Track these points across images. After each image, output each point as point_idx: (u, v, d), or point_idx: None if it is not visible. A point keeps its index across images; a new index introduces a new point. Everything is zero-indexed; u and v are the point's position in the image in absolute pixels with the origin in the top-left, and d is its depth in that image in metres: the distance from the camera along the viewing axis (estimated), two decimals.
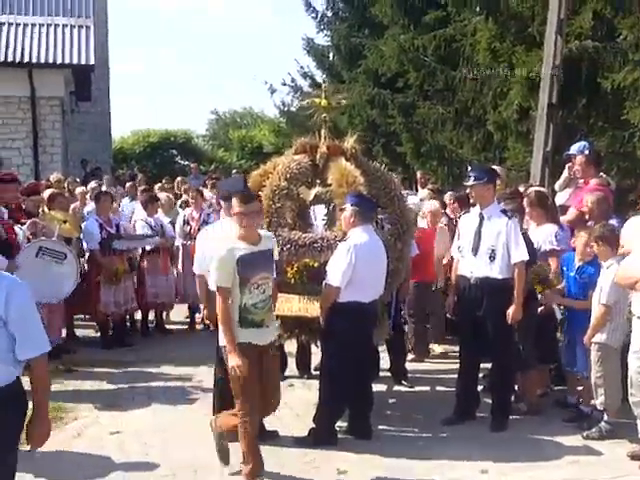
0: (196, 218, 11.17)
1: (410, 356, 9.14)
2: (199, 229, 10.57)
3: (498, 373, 7.13)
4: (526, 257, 6.77)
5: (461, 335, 7.58)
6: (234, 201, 5.64)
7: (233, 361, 5.53)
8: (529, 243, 7.04)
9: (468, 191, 7.31)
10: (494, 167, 8.66)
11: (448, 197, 10.58)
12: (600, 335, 6.61)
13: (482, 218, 6.97)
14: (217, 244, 5.86)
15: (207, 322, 7.37)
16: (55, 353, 9.05)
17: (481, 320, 6.90)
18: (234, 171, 18.52)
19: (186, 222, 11.18)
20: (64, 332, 10.22)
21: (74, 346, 9.80)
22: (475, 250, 6.95)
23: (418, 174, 14.96)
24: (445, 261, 9.25)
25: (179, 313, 11.44)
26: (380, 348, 8.11)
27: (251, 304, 5.62)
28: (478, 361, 7.23)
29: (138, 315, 10.94)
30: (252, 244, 5.64)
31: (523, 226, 7.37)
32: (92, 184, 13.71)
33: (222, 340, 5.67)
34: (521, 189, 8.63)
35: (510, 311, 6.74)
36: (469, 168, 7.22)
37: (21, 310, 3.78)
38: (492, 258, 6.86)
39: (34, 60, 18.66)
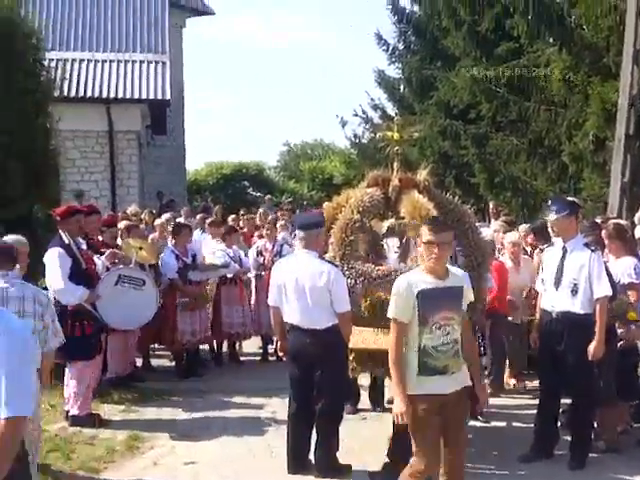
0: (269, 249, 11.26)
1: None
2: (272, 260, 10.71)
3: (577, 409, 6.96)
4: (609, 292, 6.61)
5: (541, 370, 7.43)
6: (424, 229, 5.10)
7: (398, 407, 4.97)
8: (610, 276, 6.89)
9: (550, 224, 7.20)
10: (574, 199, 8.52)
11: (523, 229, 10.44)
12: None
13: (565, 251, 6.85)
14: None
15: (280, 354, 7.37)
16: (127, 382, 9.28)
17: (561, 355, 6.76)
18: (304, 203, 18.66)
19: (259, 253, 11.29)
20: (139, 361, 10.41)
21: (146, 375, 9.95)
22: (557, 283, 6.83)
23: (491, 205, 14.83)
24: (524, 294, 9.11)
25: (251, 344, 11.50)
26: None
27: (431, 346, 5.00)
28: (558, 397, 7.07)
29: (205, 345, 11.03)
30: (438, 278, 5.06)
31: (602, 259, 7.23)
32: (167, 215, 13.97)
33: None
34: (598, 221, 8.46)
35: (591, 347, 6.59)
36: (550, 201, 7.10)
37: (6, 360, 3.18)
38: (574, 292, 6.72)
39: (112, 95, 19.18)
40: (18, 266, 6.28)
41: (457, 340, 5.08)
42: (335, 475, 6.39)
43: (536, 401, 7.44)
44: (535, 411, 7.30)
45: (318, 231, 6.58)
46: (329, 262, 6.53)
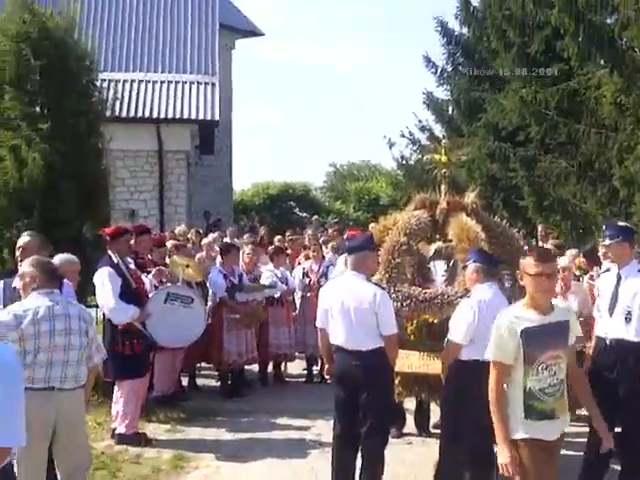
0: (315, 271, 11.26)
1: None
2: (318, 282, 10.71)
3: (628, 438, 6.80)
4: None
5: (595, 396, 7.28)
6: (528, 262, 4.67)
7: (503, 457, 4.61)
8: None
9: (603, 250, 7.07)
10: (629, 225, 8.38)
11: (571, 253, 10.28)
12: None
13: (619, 278, 6.72)
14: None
15: (327, 376, 7.31)
16: (172, 401, 9.32)
17: (614, 383, 6.63)
18: (350, 223, 18.64)
19: (305, 274, 11.30)
20: (185, 380, 10.45)
21: (192, 394, 9.99)
22: (611, 310, 6.70)
23: (539, 228, 14.67)
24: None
25: (296, 365, 11.49)
26: None
27: (538, 389, 4.64)
28: (610, 425, 6.92)
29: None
30: (543, 314, 4.66)
31: None
32: (214, 235, 14.06)
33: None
34: None
35: None
36: (604, 227, 6.99)
37: None
38: (628, 319, 6.59)
39: (162, 116, 19.44)
40: (71, 284, 6.41)
41: (563, 380, 4.76)
42: None
43: (585, 429, 7.29)
44: (583, 439, 7.15)
45: (365, 254, 6.51)
46: (376, 284, 6.48)
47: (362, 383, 6.32)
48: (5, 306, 6.05)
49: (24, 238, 6.41)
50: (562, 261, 9.36)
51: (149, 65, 20.64)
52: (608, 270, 7.19)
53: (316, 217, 24.65)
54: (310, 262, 11.49)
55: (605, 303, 6.78)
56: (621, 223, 8.11)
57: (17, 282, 6.01)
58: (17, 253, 6.52)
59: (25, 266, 5.37)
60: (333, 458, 6.63)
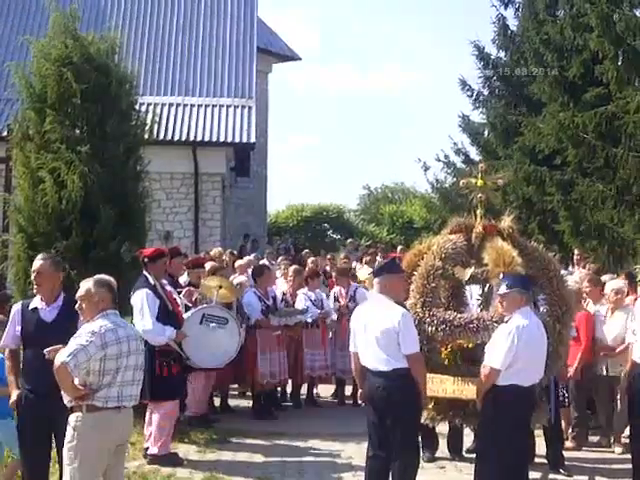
0: (343, 295, 11.29)
1: (568, 443, 8.75)
2: (347, 306, 10.74)
3: None
4: None
5: (632, 424, 7.20)
6: None
7: None
8: None
9: None
10: None
11: (608, 278, 10.16)
12: None
13: None
14: None
15: (359, 400, 7.29)
16: (205, 422, 9.33)
17: None
18: (383, 246, 18.58)
19: (336, 299, 11.32)
20: (217, 401, 10.48)
21: (224, 415, 10.00)
22: None
23: (575, 252, 14.54)
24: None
25: (328, 387, 11.46)
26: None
27: None
28: None
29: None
30: None
31: None
32: (250, 257, 14.10)
33: None
34: None
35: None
36: None
37: None
38: None
39: (199, 138, 19.59)
40: None
41: None
42: None
43: (621, 455, 7.20)
44: (618, 465, 7.07)
45: (391, 276, 6.53)
46: (400, 305, 6.49)
47: (387, 404, 6.32)
48: (22, 328, 6.13)
49: (38, 262, 6.27)
50: (616, 284, 9.21)
51: (187, 88, 20.82)
52: None
53: (351, 240, 24.57)
54: (339, 287, 11.51)
55: None
56: None
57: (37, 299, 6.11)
58: (32, 276, 6.31)
59: (91, 286, 5.41)
60: (366, 478, 6.61)
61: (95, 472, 5.26)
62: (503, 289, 6.35)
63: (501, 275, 6.53)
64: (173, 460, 7.92)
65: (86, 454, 5.18)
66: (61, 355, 5.10)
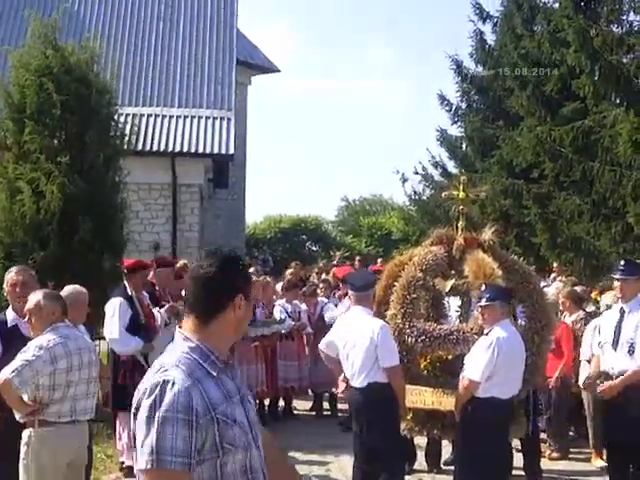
0: (312, 311, 11.32)
1: (549, 453, 8.81)
2: (316, 323, 10.94)
3: None
4: None
5: (607, 436, 7.25)
6: None
7: None
8: None
9: (616, 284, 7.05)
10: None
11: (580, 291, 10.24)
12: None
13: (623, 312, 6.78)
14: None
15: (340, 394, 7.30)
16: None
17: (623, 415, 6.62)
18: (357, 258, 18.52)
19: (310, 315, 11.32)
20: None
21: None
22: (615, 344, 6.74)
23: (555, 265, 14.68)
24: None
25: (306, 400, 11.43)
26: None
27: None
28: (626, 464, 6.86)
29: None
30: None
31: None
32: None
33: None
34: None
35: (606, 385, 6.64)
36: (622, 262, 7.05)
37: None
38: (631, 352, 6.63)
39: (177, 149, 19.54)
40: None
41: None
42: None
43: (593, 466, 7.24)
44: (597, 477, 7.11)
45: (370, 292, 6.68)
46: (378, 319, 6.54)
47: (367, 418, 6.37)
48: (3, 346, 5.77)
49: (21, 274, 6.05)
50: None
51: (166, 99, 20.77)
52: (610, 307, 7.25)
53: (340, 252, 24.36)
54: (307, 307, 11.51)
55: (609, 338, 6.81)
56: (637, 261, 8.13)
57: (11, 314, 5.88)
58: (10, 288, 6.03)
59: (40, 299, 5.24)
60: None
61: None
62: (484, 301, 6.38)
63: (483, 287, 6.56)
64: None
65: (41, 471, 5.08)
66: (6, 371, 4.97)
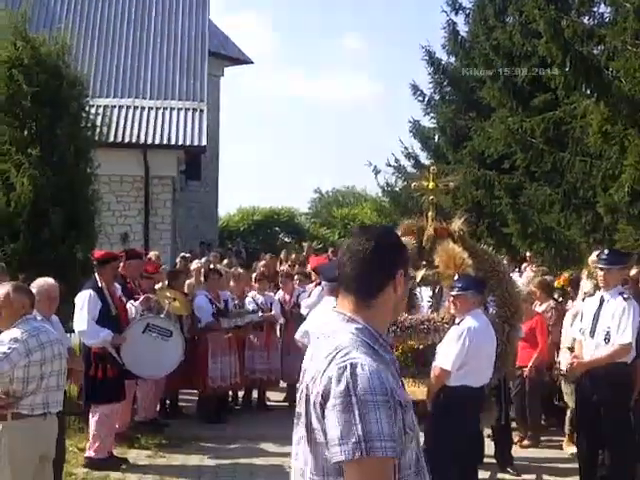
0: (287, 300, 11.35)
1: (520, 441, 8.92)
2: (292, 311, 11.00)
3: (612, 463, 6.85)
4: (626, 340, 6.59)
5: (579, 421, 7.35)
6: None
7: None
8: None
9: (599, 274, 7.12)
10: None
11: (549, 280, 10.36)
12: None
13: (602, 301, 6.86)
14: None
15: None
16: (155, 427, 9.25)
17: (596, 405, 6.72)
18: (330, 250, 18.58)
19: (281, 303, 11.31)
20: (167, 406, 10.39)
21: (175, 420, 9.93)
22: (592, 332, 6.83)
23: (527, 254, 14.82)
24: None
25: (280, 391, 11.45)
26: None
27: None
28: (596, 449, 6.96)
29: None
30: None
31: None
32: (201, 261, 13.99)
33: None
34: (633, 272, 8.41)
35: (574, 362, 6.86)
36: (605, 251, 7.14)
37: None
38: (607, 340, 6.72)
39: (149, 141, 19.43)
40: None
41: None
42: None
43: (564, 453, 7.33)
44: (567, 465, 7.21)
45: None
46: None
47: None
48: None
49: None
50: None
51: (137, 91, 20.65)
52: (592, 294, 7.33)
53: (308, 243, 24.46)
54: (282, 293, 11.53)
55: (587, 326, 6.91)
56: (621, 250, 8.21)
57: None
58: None
59: (10, 292, 5.22)
60: None
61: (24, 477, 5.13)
62: (456, 290, 6.43)
63: (455, 277, 6.61)
64: (110, 464, 7.81)
65: (14, 464, 5.08)
66: None
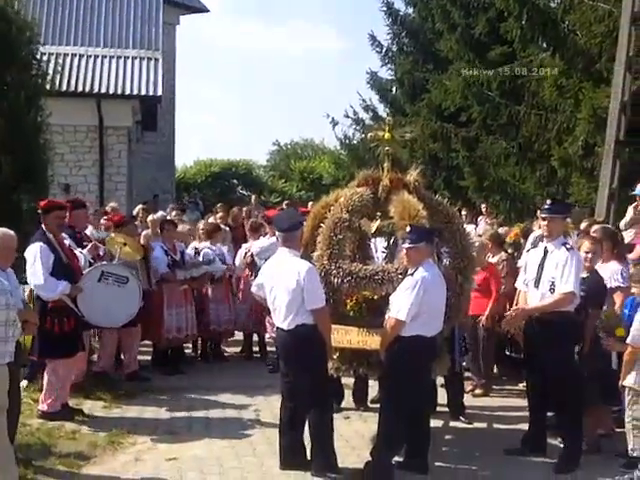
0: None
1: (472, 390, 9.08)
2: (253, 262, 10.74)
3: (558, 411, 7.02)
4: (569, 289, 6.69)
5: (526, 368, 7.49)
6: None
7: None
8: (599, 281, 7.10)
9: (541, 224, 7.21)
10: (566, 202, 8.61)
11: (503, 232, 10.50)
12: (629, 378, 6.40)
13: (546, 251, 6.95)
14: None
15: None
16: (110, 378, 9.20)
17: (541, 352, 6.85)
18: (285, 202, 18.49)
19: (245, 254, 11.25)
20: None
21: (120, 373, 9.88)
22: (537, 282, 6.92)
23: (483, 207, 14.93)
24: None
25: (236, 341, 11.47)
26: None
27: None
28: (545, 397, 7.10)
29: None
30: None
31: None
32: (161, 213, 13.82)
33: None
34: (583, 226, 8.52)
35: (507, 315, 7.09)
36: (548, 201, 7.20)
37: None
38: (552, 290, 6.81)
39: (103, 90, 19.09)
40: None
41: None
42: (330, 470, 6.38)
43: (518, 402, 7.47)
44: (518, 413, 7.35)
45: (297, 232, 6.64)
46: (305, 260, 6.55)
47: (294, 358, 6.43)
48: None
49: None
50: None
51: (91, 39, 20.24)
52: (535, 246, 7.43)
53: (255, 195, 24.33)
54: (250, 243, 11.46)
55: (532, 276, 7.00)
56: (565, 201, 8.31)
57: None
58: None
59: None
60: (280, 430, 6.69)
61: None
62: (409, 243, 6.44)
63: (408, 228, 6.61)
64: (65, 414, 7.76)
65: None
66: None
